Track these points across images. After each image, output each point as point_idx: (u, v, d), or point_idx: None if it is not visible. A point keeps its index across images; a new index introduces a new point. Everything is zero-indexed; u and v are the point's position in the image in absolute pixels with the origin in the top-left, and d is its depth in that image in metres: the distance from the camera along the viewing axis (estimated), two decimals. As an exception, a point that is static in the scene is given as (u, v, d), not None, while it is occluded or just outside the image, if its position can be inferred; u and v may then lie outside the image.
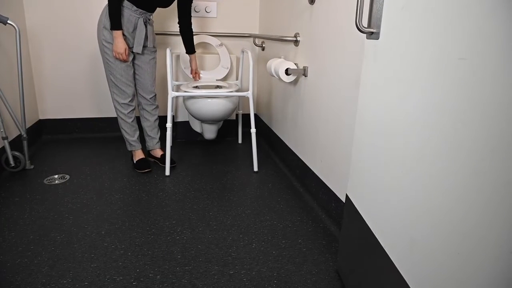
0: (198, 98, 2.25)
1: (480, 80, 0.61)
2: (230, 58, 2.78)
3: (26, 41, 2.58)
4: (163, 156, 2.30)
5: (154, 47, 2.14)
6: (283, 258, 1.42)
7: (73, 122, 2.84)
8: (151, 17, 2.06)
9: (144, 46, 2.08)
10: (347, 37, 1.49)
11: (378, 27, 0.99)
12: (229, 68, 2.73)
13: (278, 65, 2.00)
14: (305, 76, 1.94)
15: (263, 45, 2.81)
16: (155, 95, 2.24)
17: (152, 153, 2.35)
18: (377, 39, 1.00)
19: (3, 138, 2.04)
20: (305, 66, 1.93)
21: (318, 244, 1.52)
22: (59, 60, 2.68)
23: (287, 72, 1.97)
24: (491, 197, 0.58)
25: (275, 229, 1.62)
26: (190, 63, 2.47)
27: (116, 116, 2.86)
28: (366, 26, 1.03)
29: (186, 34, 2.28)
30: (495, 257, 0.58)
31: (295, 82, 2.11)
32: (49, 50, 2.65)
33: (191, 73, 2.53)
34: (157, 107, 2.28)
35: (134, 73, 2.14)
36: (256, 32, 2.95)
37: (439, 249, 0.72)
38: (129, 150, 2.26)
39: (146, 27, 2.02)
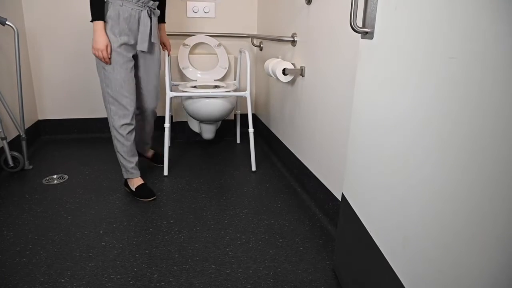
0: (196, 98, 2.26)
1: (470, 79, 0.62)
2: (228, 58, 2.79)
3: (25, 42, 2.59)
4: (155, 155, 2.24)
5: (155, 46, 1.85)
6: (280, 257, 1.43)
7: (72, 122, 2.85)
8: (154, 5, 1.75)
9: (150, 43, 1.79)
10: (343, 37, 1.50)
11: (372, 27, 1.00)
12: (227, 68, 2.74)
13: (275, 65, 2.01)
14: (302, 76, 1.95)
15: (261, 45, 2.81)
16: (155, 111, 2.02)
17: (142, 153, 2.20)
18: (371, 38, 1.01)
19: (2, 139, 2.05)
20: (302, 66, 1.94)
21: (315, 243, 1.53)
22: (58, 60, 2.69)
23: (284, 72, 1.98)
24: (481, 195, 0.59)
25: (272, 228, 1.63)
26: None
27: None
28: (360, 26, 1.04)
29: None
30: (485, 254, 0.59)
31: (292, 82, 2.12)
32: (48, 51, 2.66)
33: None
34: (155, 114, 2.04)
35: (136, 82, 1.85)
36: (254, 32, 2.96)
37: (430, 246, 0.72)
38: (125, 178, 1.88)
39: (151, 20, 1.72)
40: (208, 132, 2.54)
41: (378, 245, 0.96)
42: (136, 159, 1.88)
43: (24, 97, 2.49)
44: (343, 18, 1.50)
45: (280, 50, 2.33)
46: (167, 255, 1.42)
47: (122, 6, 1.62)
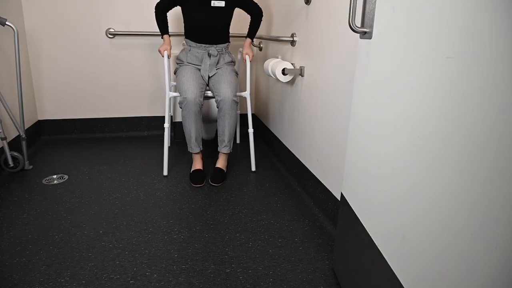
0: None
1: (467, 78, 0.62)
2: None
3: (25, 42, 2.59)
4: (217, 171, 2.12)
5: (223, 64, 2.21)
6: (279, 257, 1.43)
7: (71, 122, 2.85)
8: (218, 49, 2.19)
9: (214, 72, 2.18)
10: (342, 37, 1.50)
11: (371, 27, 1.00)
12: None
13: (275, 65, 2.01)
14: (302, 76, 1.95)
15: (261, 45, 2.82)
16: (233, 100, 2.06)
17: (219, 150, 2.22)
18: (370, 38, 1.01)
19: (2, 139, 2.05)
20: (302, 66, 1.94)
21: (314, 243, 1.53)
22: (58, 61, 2.69)
23: (284, 72, 1.98)
24: (480, 195, 0.59)
25: (272, 228, 1.63)
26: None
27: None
28: (359, 26, 1.04)
29: (252, 19, 2.27)
30: (484, 254, 0.59)
31: (292, 82, 2.12)
32: (48, 51, 2.66)
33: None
34: (230, 114, 2.09)
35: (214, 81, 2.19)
36: (254, 32, 2.95)
37: (429, 246, 0.73)
38: (188, 151, 2.21)
39: (209, 58, 2.17)
40: (208, 132, 2.54)
41: (377, 245, 0.97)
42: (195, 136, 2.11)
43: (24, 97, 2.49)
44: (342, 18, 1.50)
45: (280, 50, 2.33)
46: (167, 255, 1.43)
47: (190, 50, 2.19)
